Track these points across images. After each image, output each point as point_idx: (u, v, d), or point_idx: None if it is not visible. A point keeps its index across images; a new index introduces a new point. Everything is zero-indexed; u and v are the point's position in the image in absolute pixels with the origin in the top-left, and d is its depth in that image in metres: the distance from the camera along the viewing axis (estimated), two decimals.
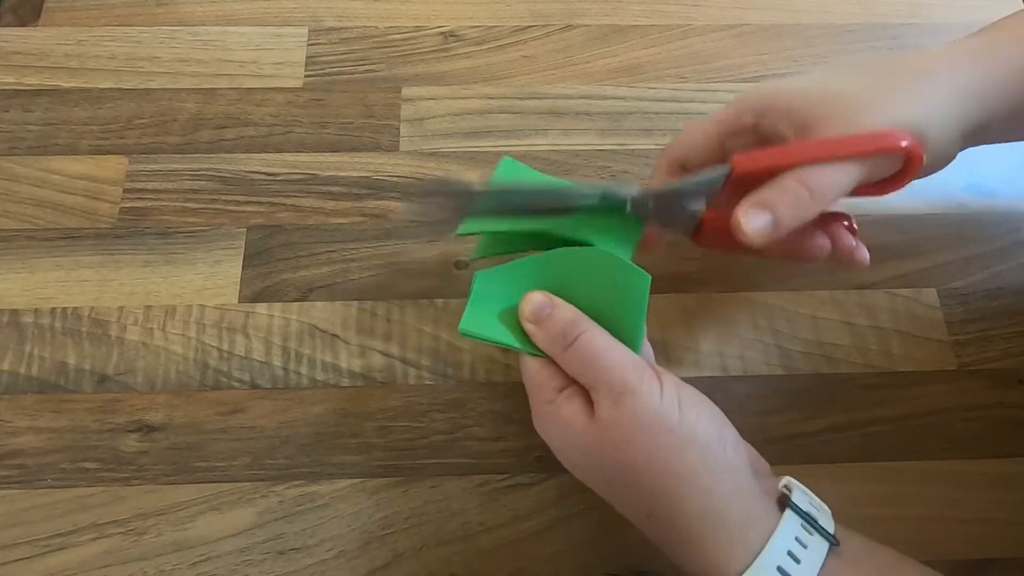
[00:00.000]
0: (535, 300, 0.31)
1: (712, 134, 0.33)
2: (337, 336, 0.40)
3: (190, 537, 0.35)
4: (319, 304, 0.40)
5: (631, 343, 0.30)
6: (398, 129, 0.46)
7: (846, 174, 0.29)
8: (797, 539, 0.27)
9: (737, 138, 0.33)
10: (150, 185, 0.43)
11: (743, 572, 0.26)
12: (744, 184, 0.30)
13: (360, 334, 0.40)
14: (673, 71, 0.48)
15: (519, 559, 0.35)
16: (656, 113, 0.47)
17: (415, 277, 0.41)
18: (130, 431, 0.37)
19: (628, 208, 0.31)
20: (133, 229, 0.42)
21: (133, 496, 0.36)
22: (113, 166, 0.44)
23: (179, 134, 0.45)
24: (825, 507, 0.29)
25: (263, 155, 0.44)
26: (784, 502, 0.28)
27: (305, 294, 0.41)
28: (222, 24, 0.49)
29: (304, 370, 0.39)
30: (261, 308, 0.40)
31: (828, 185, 0.29)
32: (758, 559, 0.26)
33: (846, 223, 0.33)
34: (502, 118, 0.46)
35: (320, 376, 0.39)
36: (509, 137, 0.45)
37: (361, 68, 0.47)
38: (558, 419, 0.30)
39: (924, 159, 0.29)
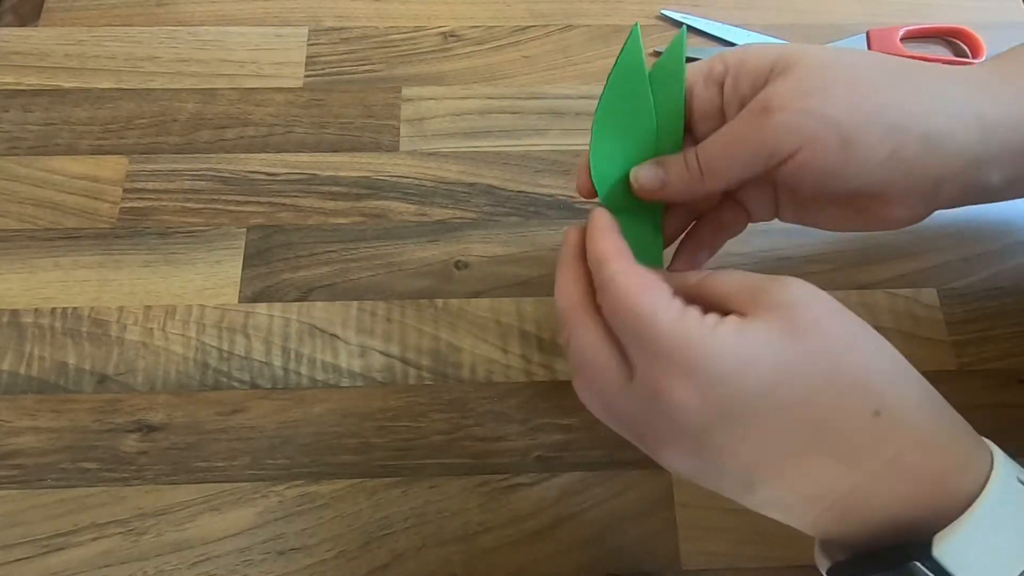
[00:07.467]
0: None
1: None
2: (337, 336, 0.40)
3: (190, 537, 0.35)
4: (319, 304, 0.40)
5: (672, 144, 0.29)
6: (398, 129, 0.46)
7: (745, 160, 0.27)
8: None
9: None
10: (150, 185, 0.43)
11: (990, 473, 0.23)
12: None
13: (360, 334, 0.40)
14: None
15: (519, 559, 0.35)
16: None
17: (415, 277, 0.41)
18: (130, 431, 0.37)
19: None
20: (133, 229, 0.42)
21: (133, 496, 0.36)
22: (113, 166, 0.44)
23: (179, 134, 0.45)
24: None
25: (263, 155, 0.44)
26: None
27: (305, 294, 0.41)
28: (222, 24, 0.49)
29: (304, 370, 0.39)
30: (261, 308, 0.40)
31: (721, 166, 0.27)
32: (997, 464, 0.24)
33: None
34: (502, 118, 0.46)
35: (320, 376, 0.39)
36: (509, 137, 0.45)
37: (361, 68, 0.47)
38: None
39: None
